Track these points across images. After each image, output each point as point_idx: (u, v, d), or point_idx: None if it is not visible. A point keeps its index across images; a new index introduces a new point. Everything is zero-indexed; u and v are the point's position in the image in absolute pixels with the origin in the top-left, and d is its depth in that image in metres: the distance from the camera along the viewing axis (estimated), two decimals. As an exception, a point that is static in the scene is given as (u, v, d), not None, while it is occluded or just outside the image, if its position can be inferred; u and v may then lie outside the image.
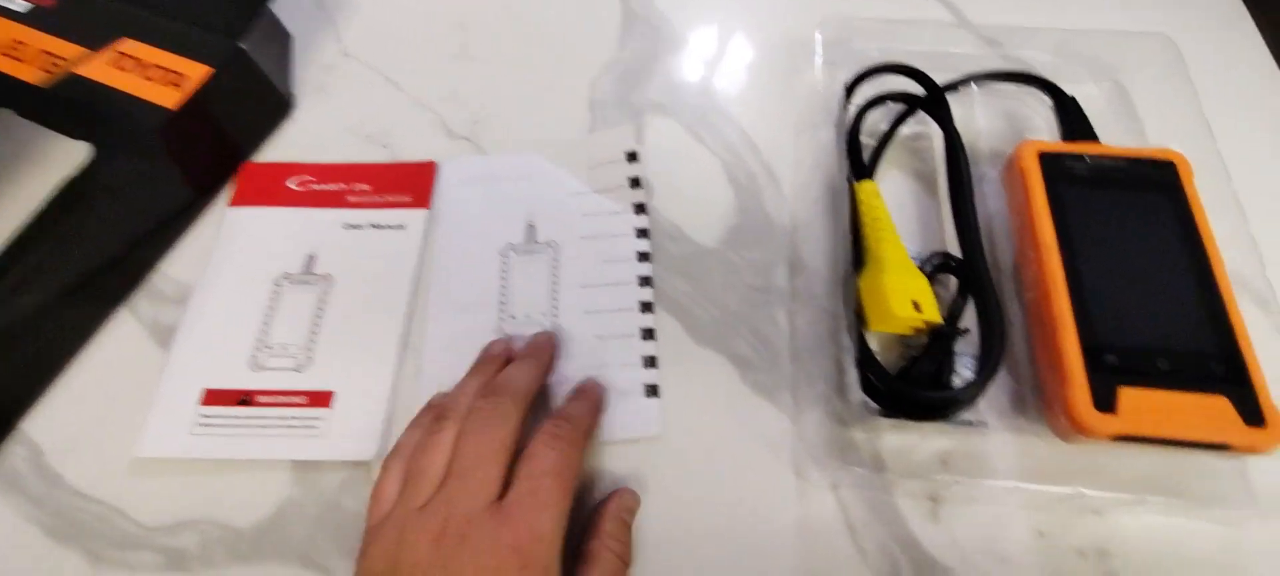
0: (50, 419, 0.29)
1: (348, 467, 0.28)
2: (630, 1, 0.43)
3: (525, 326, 0.31)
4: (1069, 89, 0.35)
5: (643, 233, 0.34)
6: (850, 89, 0.35)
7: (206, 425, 0.29)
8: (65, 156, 0.30)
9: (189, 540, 0.27)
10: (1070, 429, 0.26)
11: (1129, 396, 0.25)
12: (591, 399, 0.28)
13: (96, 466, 0.28)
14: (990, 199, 0.34)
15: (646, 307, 0.31)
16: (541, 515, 0.22)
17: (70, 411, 0.30)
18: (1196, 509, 0.26)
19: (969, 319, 0.29)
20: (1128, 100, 0.37)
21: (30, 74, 0.33)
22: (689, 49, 0.41)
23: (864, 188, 0.32)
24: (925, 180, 0.35)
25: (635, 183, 0.35)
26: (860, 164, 0.34)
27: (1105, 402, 0.25)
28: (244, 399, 0.29)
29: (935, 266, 0.31)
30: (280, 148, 0.37)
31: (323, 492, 0.28)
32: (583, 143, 0.37)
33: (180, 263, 0.33)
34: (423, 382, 0.30)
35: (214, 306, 0.32)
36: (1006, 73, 0.36)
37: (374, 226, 0.34)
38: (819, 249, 0.33)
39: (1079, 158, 0.31)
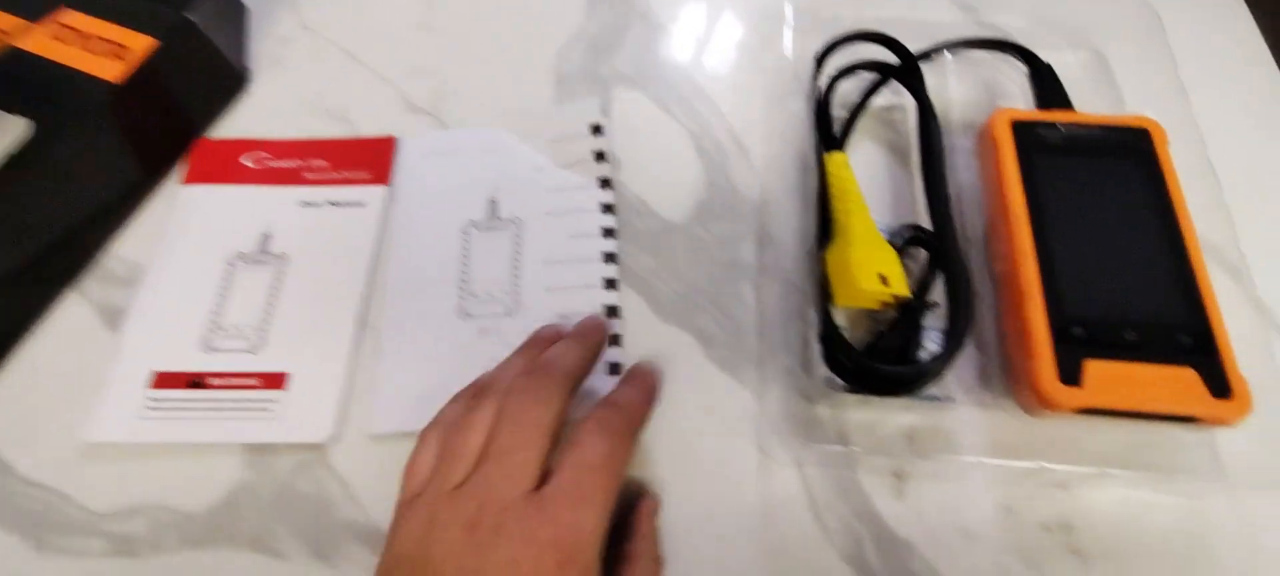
0: (-4, 404, 0.29)
1: (302, 450, 0.28)
2: (599, -30, 0.42)
3: (486, 304, 0.30)
4: (1046, 56, 0.34)
5: (608, 208, 0.33)
6: (821, 59, 0.34)
7: (156, 408, 0.28)
8: (3, 132, 0.29)
9: (139, 526, 0.26)
10: (1036, 403, 0.25)
11: (1095, 369, 0.24)
12: (646, 385, 0.26)
13: (44, 452, 0.27)
14: (963, 169, 0.33)
15: (610, 284, 0.31)
16: (584, 511, 0.21)
17: (17, 397, 0.29)
18: (1163, 482, 0.26)
19: (939, 292, 0.29)
20: (1106, 68, 0.36)
21: (-33, 48, 0.32)
22: (658, 19, 0.40)
23: (833, 159, 0.31)
24: (899, 152, 0.34)
25: (600, 156, 0.34)
26: (830, 135, 0.33)
27: (1071, 375, 0.24)
28: (195, 381, 0.28)
29: (907, 239, 0.30)
30: (236, 123, 0.36)
31: (277, 476, 0.27)
32: (547, 116, 0.36)
33: (131, 242, 0.32)
34: (381, 363, 0.29)
35: (166, 287, 0.31)
36: (981, 40, 0.36)
37: (332, 204, 0.33)
38: (788, 223, 0.32)
39: (1052, 126, 0.30)
